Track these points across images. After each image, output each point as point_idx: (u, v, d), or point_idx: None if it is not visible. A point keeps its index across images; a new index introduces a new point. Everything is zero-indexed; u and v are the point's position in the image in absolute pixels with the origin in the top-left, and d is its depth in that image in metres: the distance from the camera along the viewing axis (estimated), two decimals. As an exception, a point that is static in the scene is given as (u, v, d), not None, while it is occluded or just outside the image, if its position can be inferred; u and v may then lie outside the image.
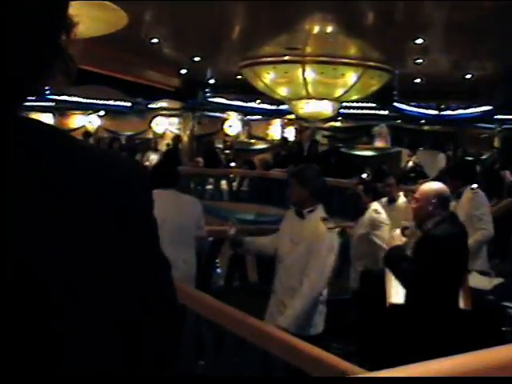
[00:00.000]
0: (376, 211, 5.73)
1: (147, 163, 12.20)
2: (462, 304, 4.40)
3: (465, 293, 4.65)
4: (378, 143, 18.26)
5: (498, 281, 5.23)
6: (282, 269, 4.06)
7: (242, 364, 3.44)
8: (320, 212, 4.09)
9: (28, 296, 0.65)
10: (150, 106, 18.37)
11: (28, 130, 0.72)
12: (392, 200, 6.23)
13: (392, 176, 6.35)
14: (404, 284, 4.23)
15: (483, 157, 15.82)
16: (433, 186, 4.17)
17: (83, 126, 18.47)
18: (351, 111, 15.95)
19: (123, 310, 0.73)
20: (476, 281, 4.94)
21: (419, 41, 9.69)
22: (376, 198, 5.98)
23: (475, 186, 5.97)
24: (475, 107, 15.85)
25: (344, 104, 12.97)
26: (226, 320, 3.46)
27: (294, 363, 3.02)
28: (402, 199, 6.23)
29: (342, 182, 10.23)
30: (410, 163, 14.56)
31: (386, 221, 5.64)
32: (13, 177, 0.66)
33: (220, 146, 17.35)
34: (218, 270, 7.01)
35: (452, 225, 4.03)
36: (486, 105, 15.60)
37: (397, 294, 4.23)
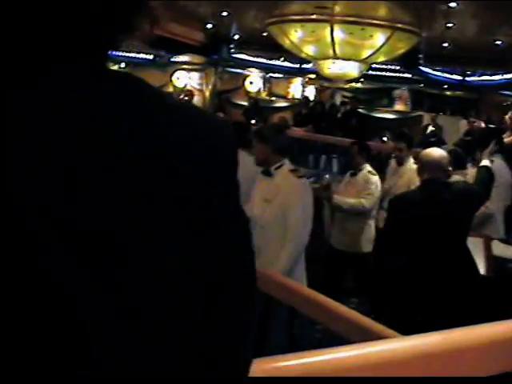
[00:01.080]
0: (370, 172, 5.72)
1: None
2: (483, 271, 4.48)
3: (487, 260, 4.73)
4: (398, 106, 18.07)
5: (521, 249, 5.25)
6: (257, 234, 3.61)
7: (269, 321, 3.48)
8: (287, 166, 4.07)
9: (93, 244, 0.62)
10: (172, 59, 18.18)
11: (117, 80, 0.72)
12: (400, 164, 6.17)
13: (403, 140, 6.22)
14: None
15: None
16: (423, 152, 4.18)
17: (103, 78, 18.29)
18: (373, 73, 15.68)
19: (195, 273, 0.69)
20: (499, 249, 4.99)
21: (453, 4, 9.48)
22: (369, 158, 5.95)
23: (486, 161, 5.81)
24: (501, 74, 15.54)
25: (368, 65, 12.72)
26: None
27: (313, 317, 3.04)
28: (410, 164, 6.07)
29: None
30: (430, 127, 14.44)
31: (377, 183, 5.64)
32: (101, 126, 0.66)
33: (244, 103, 17.18)
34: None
35: (420, 191, 3.99)
36: (513, 72, 15.27)
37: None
